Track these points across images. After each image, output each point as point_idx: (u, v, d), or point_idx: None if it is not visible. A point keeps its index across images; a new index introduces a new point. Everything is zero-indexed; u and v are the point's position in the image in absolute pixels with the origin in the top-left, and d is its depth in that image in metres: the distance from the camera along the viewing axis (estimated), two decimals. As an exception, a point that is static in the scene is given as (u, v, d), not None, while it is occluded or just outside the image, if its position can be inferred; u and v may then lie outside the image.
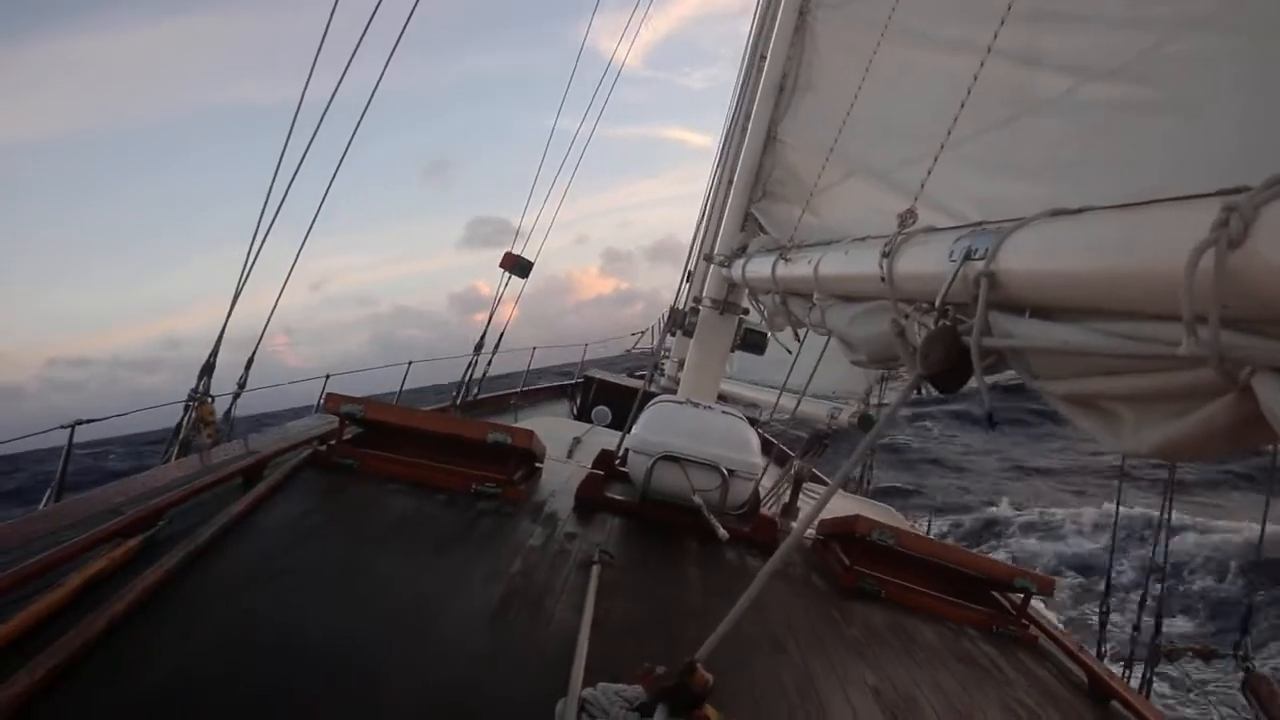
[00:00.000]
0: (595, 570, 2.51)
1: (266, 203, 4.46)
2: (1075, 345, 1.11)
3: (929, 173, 2.17)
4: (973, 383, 1.35)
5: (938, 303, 1.45)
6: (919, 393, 1.67)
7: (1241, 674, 3.30)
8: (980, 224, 1.54)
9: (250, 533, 2.37)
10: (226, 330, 4.52)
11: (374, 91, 5.17)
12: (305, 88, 4.72)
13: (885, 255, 1.81)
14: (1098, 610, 4.66)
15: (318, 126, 4.71)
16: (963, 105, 2.06)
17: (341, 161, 5.06)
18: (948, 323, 1.41)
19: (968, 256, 1.42)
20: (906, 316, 1.70)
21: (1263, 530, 4.06)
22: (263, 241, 4.46)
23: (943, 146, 2.11)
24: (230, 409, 4.51)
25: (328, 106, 4.87)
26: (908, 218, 1.84)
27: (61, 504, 2.46)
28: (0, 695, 1.30)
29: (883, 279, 1.81)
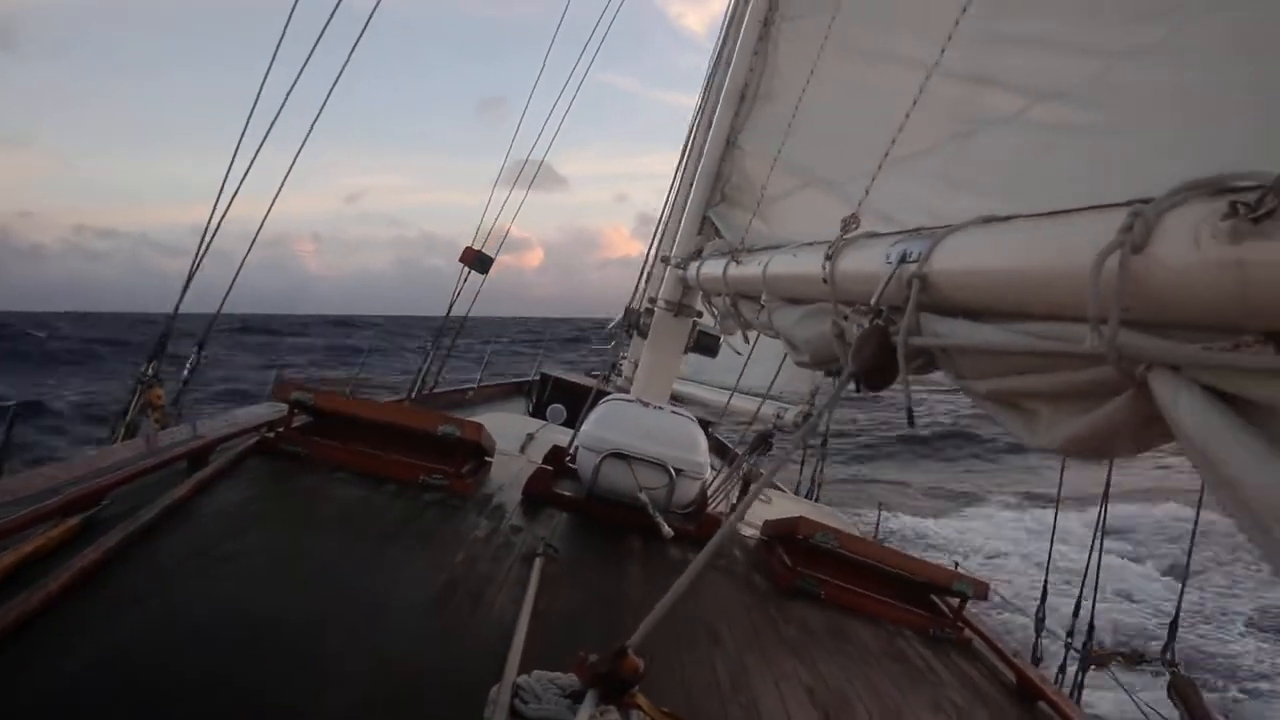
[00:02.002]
0: (538, 563, 2.53)
1: (252, 113, 4.46)
2: (994, 344, 1.16)
3: (872, 179, 2.23)
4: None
5: (873, 302, 1.50)
6: (856, 390, 1.72)
7: (1167, 677, 3.41)
8: (919, 229, 1.59)
9: (193, 516, 2.35)
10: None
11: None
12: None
13: (828, 258, 1.86)
14: (1033, 617, 4.78)
15: (321, 26, 4.73)
16: (907, 116, 2.13)
17: (343, 69, 5.06)
18: (880, 323, 1.46)
19: (903, 259, 1.47)
20: (846, 318, 1.76)
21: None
22: (245, 159, 4.42)
23: (886, 155, 2.17)
24: (181, 393, 4.45)
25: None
26: (851, 223, 1.89)
27: None
28: None
29: (825, 280, 1.86)
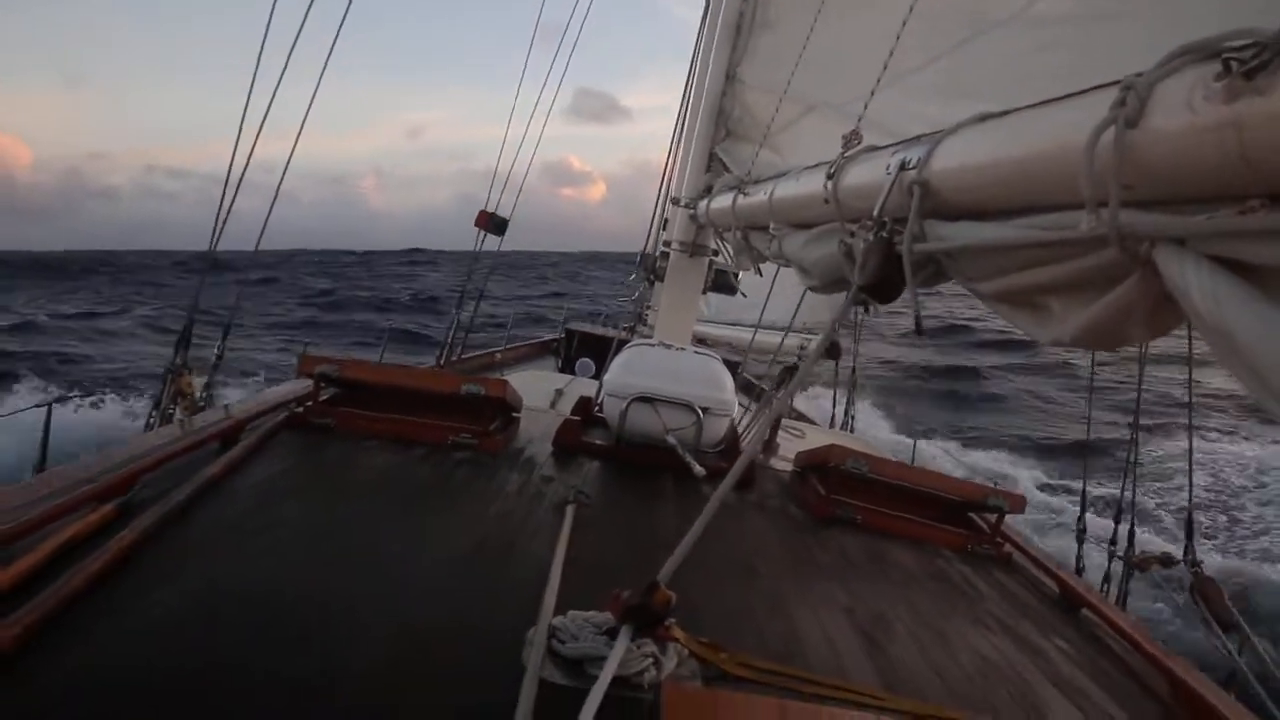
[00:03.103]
0: (569, 510, 2.55)
1: (263, 47, 4.42)
2: (998, 240, 1.13)
3: (871, 95, 2.16)
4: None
5: (875, 214, 1.47)
6: (865, 310, 1.70)
7: (1189, 578, 3.41)
8: (918, 137, 1.55)
9: (226, 494, 2.39)
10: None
11: None
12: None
13: (830, 176, 1.82)
14: (1075, 527, 4.76)
15: None
16: (904, 25, 2.06)
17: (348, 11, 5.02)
18: (884, 234, 1.43)
19: (903, 167, 1.43)
20: (852, 235, 1.72)
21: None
22: (262, 100, 4.40)
23: (885, 69, 2.10)
24: (209, 380, 4.51)
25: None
26: (852, 139, 1.85)
27: (37, 476, 2.47)
28: None
29: (827, 200, 1.83)
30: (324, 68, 4.76)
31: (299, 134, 4.85)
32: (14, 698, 1.30)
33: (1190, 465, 4.11)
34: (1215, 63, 0.76)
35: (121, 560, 1.81)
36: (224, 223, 4.43)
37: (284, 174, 4.84)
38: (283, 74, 4.44)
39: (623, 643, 1.51)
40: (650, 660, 1.58)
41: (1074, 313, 1.06)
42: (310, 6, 4.63)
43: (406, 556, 2.15)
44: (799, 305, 3.85)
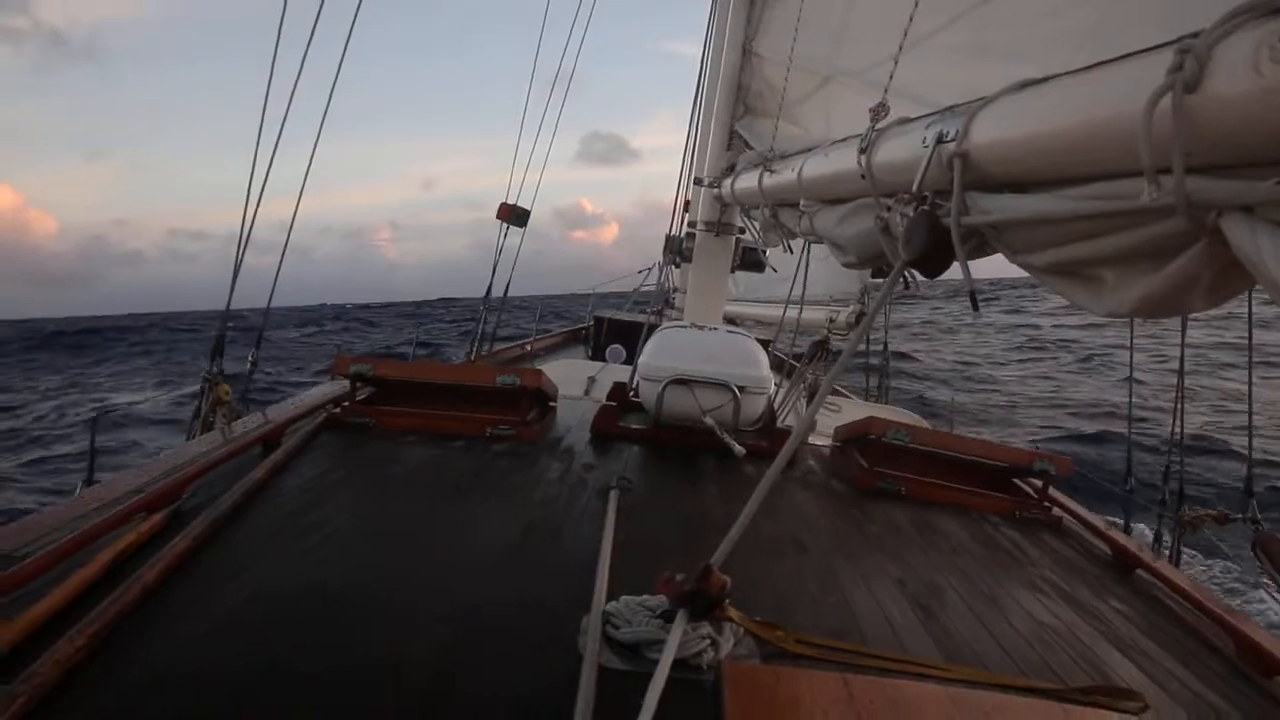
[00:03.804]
0: (614, 495, 2.56)
1: (266, 105, 4.45)
2: (1050, 212, 1.11)
3: (895, 63, 2.13)
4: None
5: (914, 189, 1.45)
6: (905, 284, 1.68)
7: (1252, 534, 3.36)
8: (951, 108, 1.53)
9: (272, 496, 2.42)
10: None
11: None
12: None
13: (862, 151, 1.80)
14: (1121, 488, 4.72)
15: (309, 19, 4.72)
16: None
17: (344, 53, 5.06)
18: (926, 208, 1.42)
19: (940, 140, 1.41)
20: (889, 209, 1.71)
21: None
22: (268, 160, 4.44)
23: (905, 34, 2.07)
24: (246, 388, 4.58)
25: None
26: (880, 111, 1.83)
27: (86, 490, 2.51)
28: (44, 664, 1.35)
29: (862, 175, 1.81)
30: (320, 128, 4.77)
31: (300, 193, 4.88)
32: (83, 709, 1.33)
33: (1250, 421, 4.04)
34: (1278, 20, 0.74)
35: (176, 567, 1.84)
36: (235, 280, 4.50)
37: (289, 232, 4.89)
38: (280, 134, 4.43)
39: (679, 626, 1.52)
40: (708, 641, 1.58)
41: (1131, 283, 1.04)
42: (303, 64, 4.64)
43: (455, 546, 2.17)
44: (814, 279, 3.83)
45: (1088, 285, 1.15)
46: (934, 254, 1.36)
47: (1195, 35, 0.85)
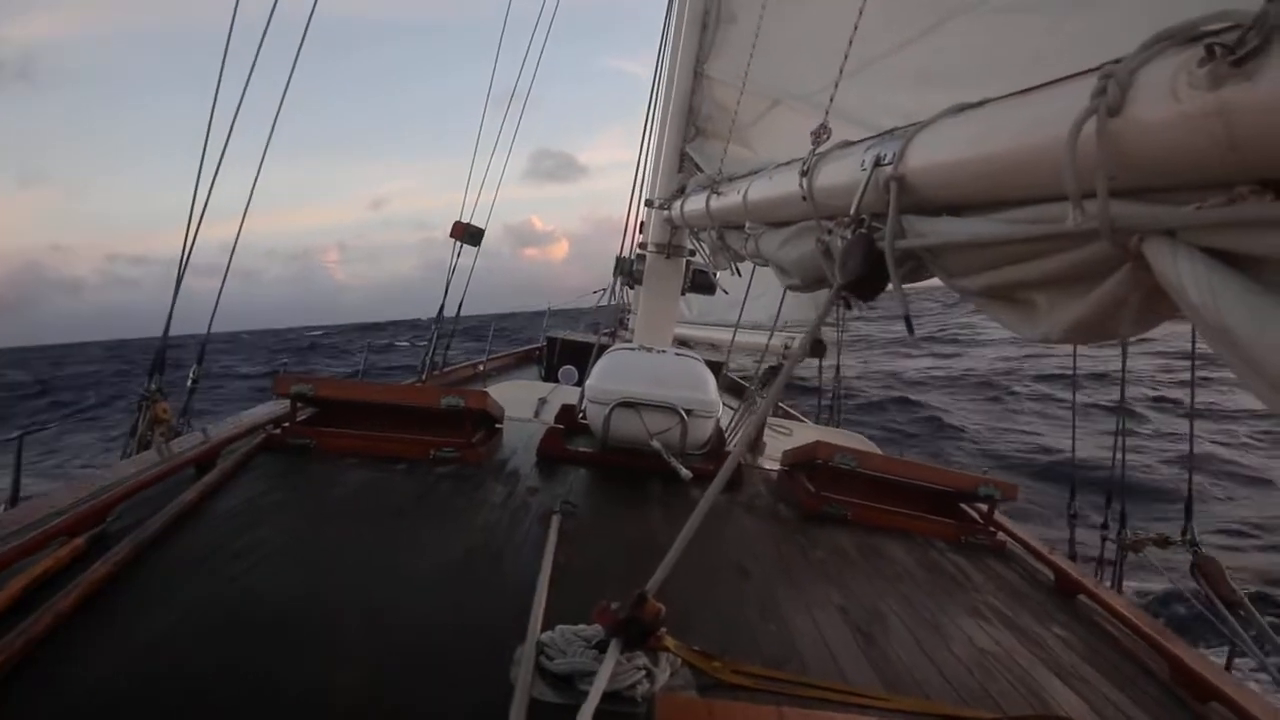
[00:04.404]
0: (555, 521, 2.52)
1: (210, 125, 4.36)
2: (982, 236, 1.11)
3: (836, 86, 2.14)
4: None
5: (852, 212, 1.45)
6: (845, 306, 1.67)
7: (1190, 557, 3.41)
8: (890, 131, 1.53)
9: (204, 519, 2.34)
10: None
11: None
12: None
13: (804, 174, 1.80)
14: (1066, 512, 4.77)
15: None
16: (860, 13, 2.04)
17: (289, 79, 4.97)
18: (864, 231, 1.41)
19: (878, 163, 1.41)
20: (829, 232, 1.70)
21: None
22: (209, 177, 4.37)
23: (845, 58, 2.09)
24: (186, 406, 4.45)
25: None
26: (821, 134, 1.83)
27: (6, 512, 2.41)
28: None
29: (804, 198, 1.81)
30: (264, 151, 4.75)
31: (244, 217, 4.85)
32: None
33: (1191, 446, 4.12)
34: (1197, 48, 0.74)
35: (95, 594, 1.76)
36: (173, 305, 4.44)
37: (231, 256, 4.84)
38: (221, 156, 4.38)
39: (612, 657, 1.48)
40: (643, 673, 1.55)
41: (1061, 308, 1.04)
42: (246, 87, 4.59)
43: (390, 573, 2.11)
44: (781, 304, 3.84)
45: (1021, 310, 1.15)
46: (870, 277, 1.35)
47: (1118, 61, 0.85)
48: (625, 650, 1.52)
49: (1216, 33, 0.75)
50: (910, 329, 1.34)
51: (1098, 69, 0.89)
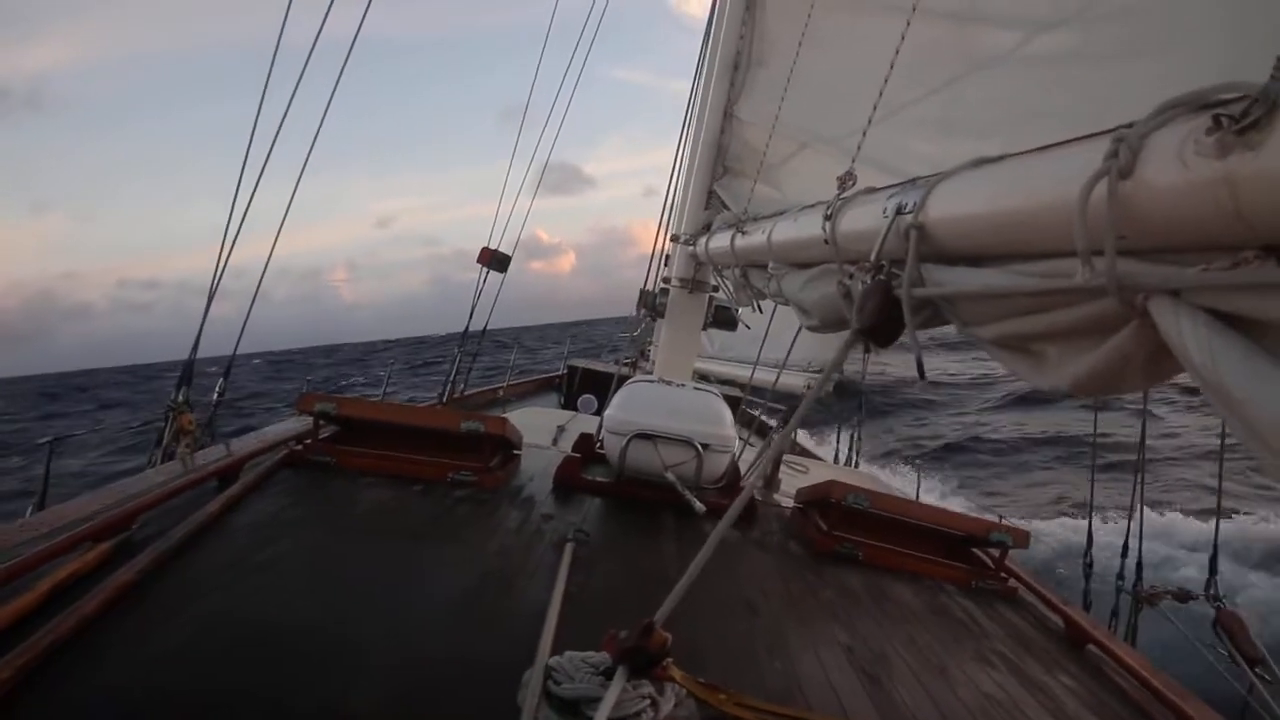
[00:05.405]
0: (569, 548, 2.54)
1: (248, 154, 4.44)
2: (994, 287, 1.14)
3: (864, 134, 2.19)
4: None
5: (873, 258, 1.48)
6: (867, 350, 1.70)
7: (1213, 612, 3.38)
8: (913, 180, 1.56)
9: (225, 531, 2.38)
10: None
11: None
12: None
13: (828, 218, 1.84)
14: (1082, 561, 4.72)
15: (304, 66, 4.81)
16: (891, 66, 2.09)
17: (330, 102, 5.09)
18: (883, 278, 1.44)
19: (899, 211, 1.44)
20: (851, 276, 1.73)
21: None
22: (245, 200, 4.43)
23: (875, 107, 2.13)
24: (211, 418, 4.52)
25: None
26: (847, 180, 1.87)
27: (35, 515, 2.46)
28: None
29: (826, 241, 1.84)
30: (301, 171, 4.82)
31: (275, 240, 4.89)
32: None
33: (1219, 499, 4.09)
34: (1206, 115, 0.77)
35: (118, 599, 1.80)
36: (204, 319, 4.49)
37: (263, 276, 4.88)
38: (258, 179, 4.46)
39: (618, 684, 1.50)
40: (648, 702, 1.56)
41: (1071, 360, 1.06)
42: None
43: (404, 593, 2.14)
44: (793, 343, 3.86)
45: (1032, 360, 1.17)
46: (886, 323, 1.37)
47: (1130, 125, 0.88)
48: (631, 678, 1.53)
49: (1225, 103, 0.78)
50: (922, 373, 1.37)
51: (1111, 131, 0.92)
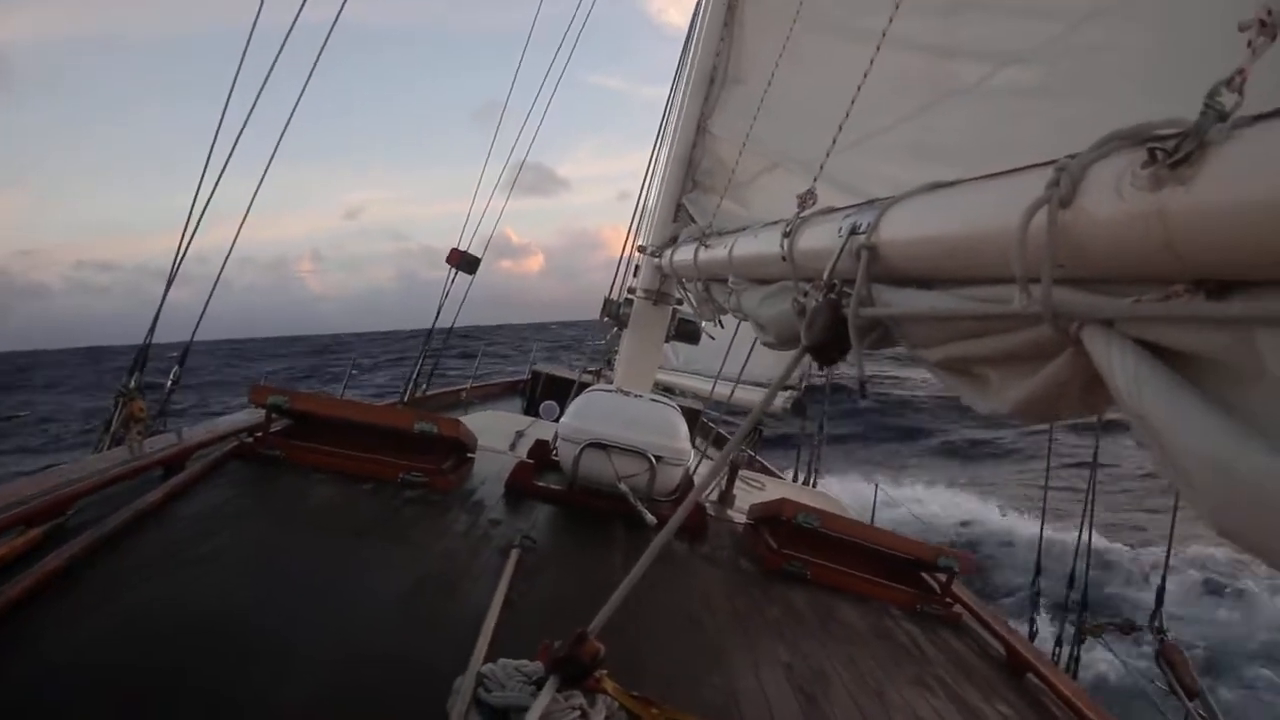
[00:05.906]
0: (514, 554, 2.51)
1: (216, 137, 4.35)
2: (937, 310, 1.14)
3: (827, 155, 2.20)
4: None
5: (825, 277, 1.48)
6: (821, 367, 1.70)
7: (1156, 644, 3.41)
8: (871, 201, 1.57)
9: (166, 521, 2.33)
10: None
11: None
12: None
13: (786, 236, 1.84)
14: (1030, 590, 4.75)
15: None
16: (858, 90, 2.10)
17: (304, 90, 5.00)
18: (833, 296, 1.44)
19: (854, 231, 1.45)
20: (805, 294, 1.74)
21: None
22: (209, 186, 4.35)
23: (840, 129, 2.14)
24: (164, 405, 4.42)
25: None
26: (807, 199, 1.87)
27: None
28: None
29: (784, 258, 1.84)
30: (270, 159, 4.73)
31: (240, 227, 4.79)
32: None
33: (1171, 533, 4.13)
34: (1143, 149, 0.78)
35: (46, 586, 1.75)
36: (162, 304, 4.40)
37: (224, 263, 4.77)
38: (221, 167, 4.39)
39: (546, 694, 1.48)
40: (577, 713, 1.54)
41: (1011, 385, 1.07)
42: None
43: (345, 591, 2.11)
44: (747, 357, 3.88)
45: (974, 384, 1.18)
46: (834, 342, 1.38)
47: (1074, 156, 0.89)
48: (562, 689, 1.51)
49: (1163, 138, 0.79)
50: (864, 393, 1.37)
51: (1055, 161, 0.93)
